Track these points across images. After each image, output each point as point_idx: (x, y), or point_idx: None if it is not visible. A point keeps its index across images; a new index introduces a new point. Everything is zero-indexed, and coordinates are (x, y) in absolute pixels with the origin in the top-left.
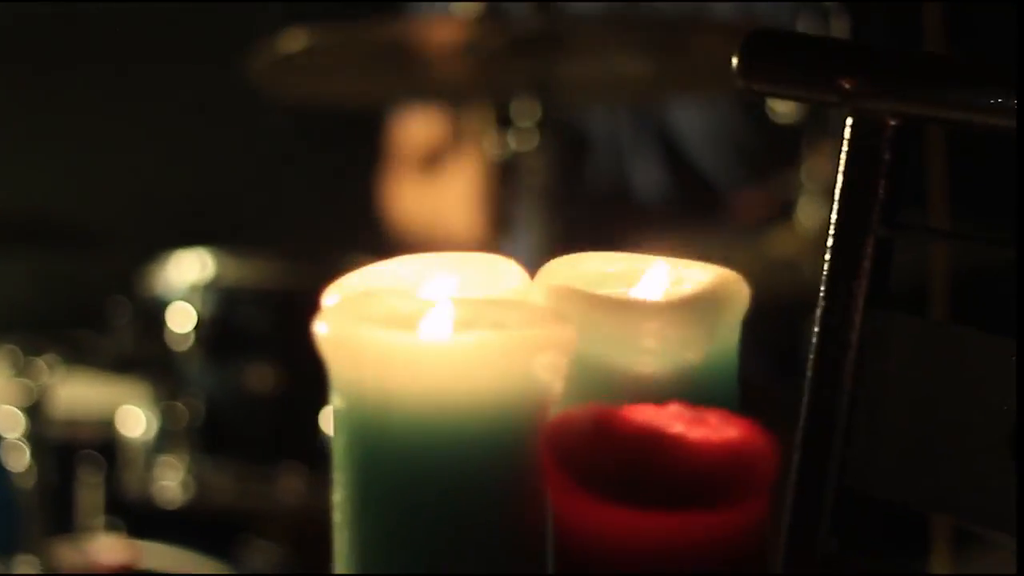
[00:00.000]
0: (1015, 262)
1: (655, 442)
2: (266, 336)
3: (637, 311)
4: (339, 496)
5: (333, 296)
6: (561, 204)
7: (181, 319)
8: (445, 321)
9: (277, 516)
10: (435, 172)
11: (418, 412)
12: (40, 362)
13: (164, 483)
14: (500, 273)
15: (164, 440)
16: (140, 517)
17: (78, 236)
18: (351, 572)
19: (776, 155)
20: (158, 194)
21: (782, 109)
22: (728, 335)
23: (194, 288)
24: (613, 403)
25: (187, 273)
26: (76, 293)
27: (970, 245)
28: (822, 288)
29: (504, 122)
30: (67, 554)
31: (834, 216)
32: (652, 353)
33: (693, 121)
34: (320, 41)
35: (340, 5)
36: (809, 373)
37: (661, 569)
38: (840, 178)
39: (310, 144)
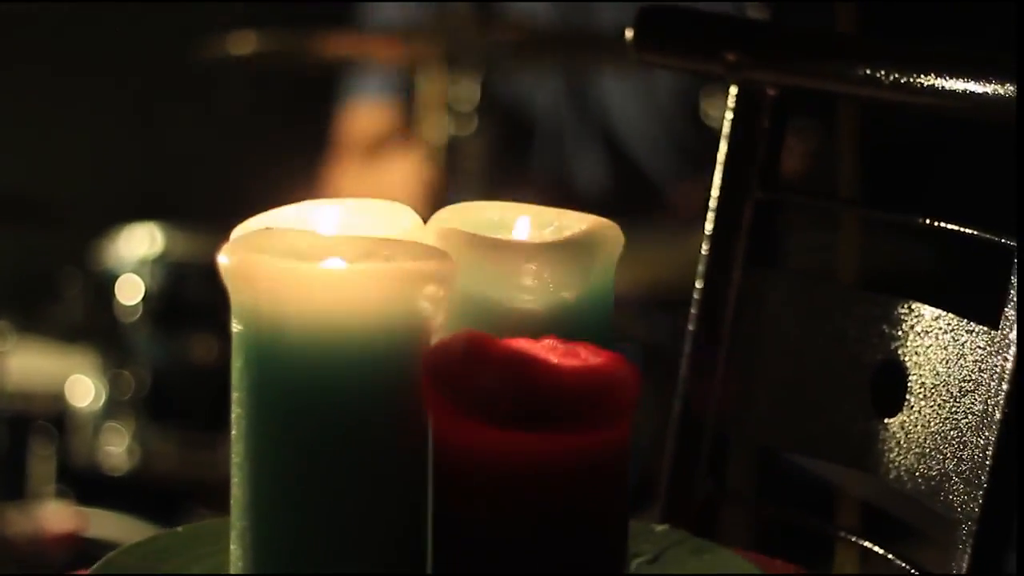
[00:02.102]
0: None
1: (526, 368)
2: (212, 308)
3: (515, 251)
4: (235, 413)
5: (239, 232)
6: (500, 190)
7: (130, 291)
8: (337, 254)
9: (220, 484)
10: (377, 161)
11: (309, 335)
12: None
13: (111, 450)
14: (395, 217)
15: (112, 409)
16: (88, 484)
17: (31, 209)
18: (244, 482)
19: (710, 151)
20: (111, 168)
21: (714, 113)
22: (602, 276)
23: (143, 261)
24: (493, 334)
25: (137, 247)
26: (29, 265)
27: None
28: (703, 246)
29: (444, 107)
30: (16, 520)
31: (716, 179)
32: (530, 291)
33: (631, 116)
34: (267, 47)
35: (293, 11)
36: (690, 326)
37: (530, 486)
38: (723, 144)
39: (261, 120)
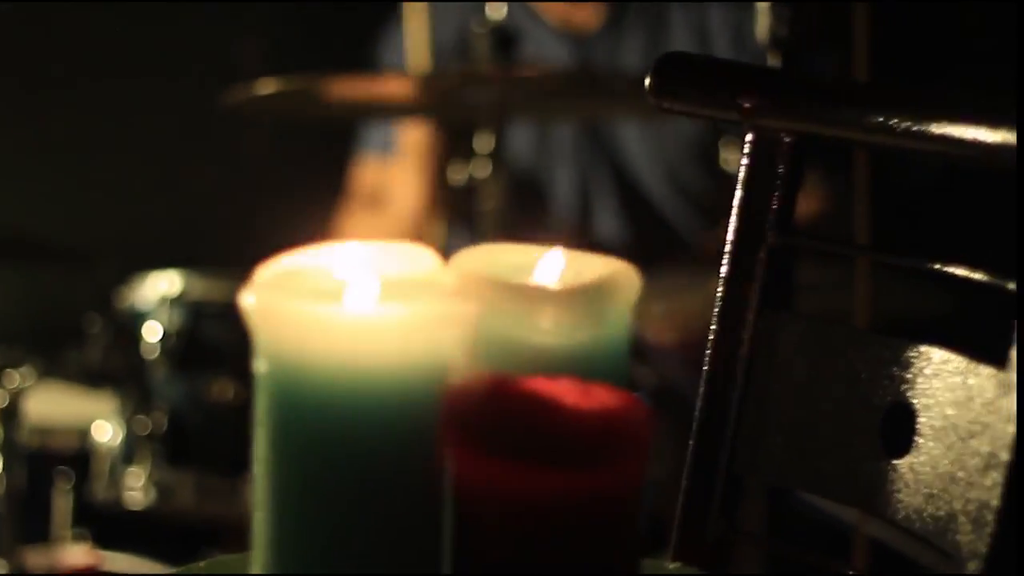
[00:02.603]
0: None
1: (543, 407)
2: (229, 349)
3: (534, 294)
4: (258, 451)
5: (263, 273)
6: (517, 233)
7: (150, 333)
8: (360, 295)
9: (239, 525)
10: (385, 214)
11: (332, 376)
12: (16, 374)
13: (131, 492)
14: (416, 260)
15: (131, 450)
16: (107, 525)
17: (57, 254)
18: (267, 519)
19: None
20: (134, 215)
21: (733, 158)
22: (618, 319)
23: (162, 303)
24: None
25: (157, 291)
26: (54, 309)
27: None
28: (719, 290)
29: (462, 151)
30: (35, 559)
31: (732, 224)
32: (548, 333)
33: (648, 161)
34: (288, 92)
35: (315, 57)
36: (705, 368)
37: (547, 522)
38: (739, 190)
39: (280, 165)
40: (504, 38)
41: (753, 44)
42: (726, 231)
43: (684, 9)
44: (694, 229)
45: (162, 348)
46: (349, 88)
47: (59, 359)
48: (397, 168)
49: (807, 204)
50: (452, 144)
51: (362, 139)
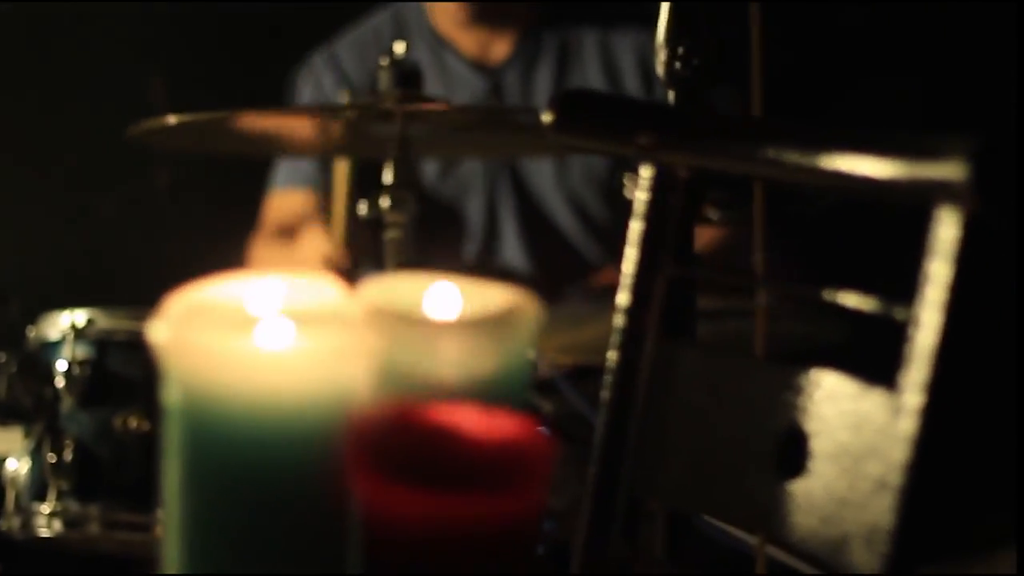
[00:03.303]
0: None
1: (446, 434)
2: (136, 381)
3: (436, 326)
4: (169, 482)
5: (171, 306)
6: (422, 265)
7: (55, 369)
8: (266, 329)
9: (149, 556)
10: (295, 245)
11: (239, 407)
12: None
13: (40, 525)
14: (322, 292)
15: (40, 483)
16: (17, 558)
17: None
18: (176, 549)
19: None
20: (43, 251)
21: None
22: (518, 349)
23: (68, 336)
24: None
25: (62, 326)
26: None
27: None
28: (617, 319)
29: (369, 183)
30: None
31: (630, 255)
32: (450, 364)
33: (551, 193)
34: (193, 129)
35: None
36: (604, 395)
37: (450, 546)
38: (637, 222)
39: (185, 201)
40: (407, 72)
41: (636, 82)
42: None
43: (594, 42)
44: (599, 259)
45: (67, 380)
46: (255, 123)
47: None
48: (309, 203)
49: (709, 234)
50: (361, 179)
51: (277, 172)
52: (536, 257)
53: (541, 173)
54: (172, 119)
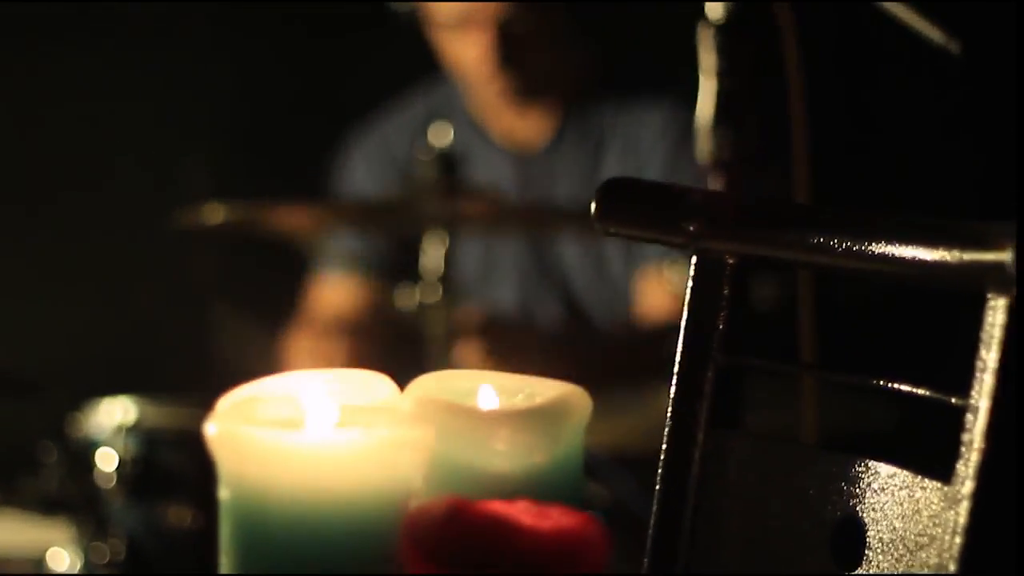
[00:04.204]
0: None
1: (501, 529)
2: (186, 476)
3: (488, 419)
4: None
5: (225, 402)
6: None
7: (105, 462)
8: (320, 423)
9: None
10: (339, 337)
11: (294, 501)
12: None
13: None
14: (373, 386)
15: None
16: None
17: (7, 383)
18: None
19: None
20: (84, 343)
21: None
22: (572, 440)
23: (117, 432)
24: (469, 498)
25: (111, 418)
26: (5, 437)
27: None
28: (668, 409)
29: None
30: None
31: (679, 345)
32: (503, 456)
33: (590, 280)
34: (235, 217)
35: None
36: (656, 487)
37: None
38: (685, 311)
39: (231, 290)
40: (449, 163)
41: (687, 164)
42: (673, 350)
43: (621, 127)
44: (635, 346)
45: (118, 476)
46: (296, 215)
47: (13, 488)
48: (357, 290)
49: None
50: (398, 267)
51: (320, 257)
52: (571, 344)
53: (576, 257)
54: (213, 213)
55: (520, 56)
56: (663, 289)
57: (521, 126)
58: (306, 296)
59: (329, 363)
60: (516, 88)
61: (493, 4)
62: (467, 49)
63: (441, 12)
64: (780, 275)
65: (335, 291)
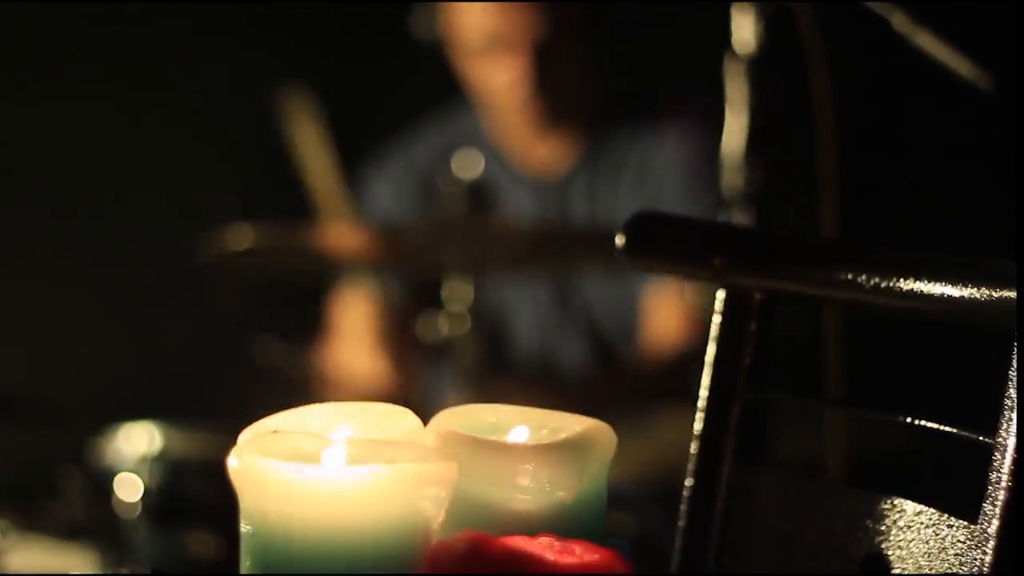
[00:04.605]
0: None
1: (524, 565)
2: (210, 505)
3: (512, 454)
4: None
5: (247, 435)
6: (488, 385)
7: (129, 489)
8: (342, 457)
9: None
10: (370, 343)
11: (315, 535)
12: None
13: None
14: (396, 420)
15: None
16: None
17: (30, 407)
18: None
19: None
20: (108, 366)
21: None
22: (596, 476)
23: (142, 460)
24: (491, 533)
25: (135, 445)
26: (27, 462)
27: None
28: (693, 445)
29: (436, 305)
30: None
31: (705, 379)
32: (526, 491)
33: (615, 311)
34: (263, 240)
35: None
36: (680, 522)
37: None
38: (711, 346)
39: (255, 319)
40: (479, 195)
41: (702, 193)
42: (696, 378)
43: (636, 153)
44: (656, 373)
45: (143, 505)
46: (323, 242)
47: (34, 514)
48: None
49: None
50: (420, 298)
51: (347, 274)
52: (595, 374)
53: (600, 288)
54: (243, 238)
55: (553, 80)
56: (675, 308)
57: (542, 153)
58: (334, 311)
59: (363, 374)
60: (546, 113)
61: (527, 27)
62: (498, 74)
63: (471, 37)
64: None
65: (363, 305)
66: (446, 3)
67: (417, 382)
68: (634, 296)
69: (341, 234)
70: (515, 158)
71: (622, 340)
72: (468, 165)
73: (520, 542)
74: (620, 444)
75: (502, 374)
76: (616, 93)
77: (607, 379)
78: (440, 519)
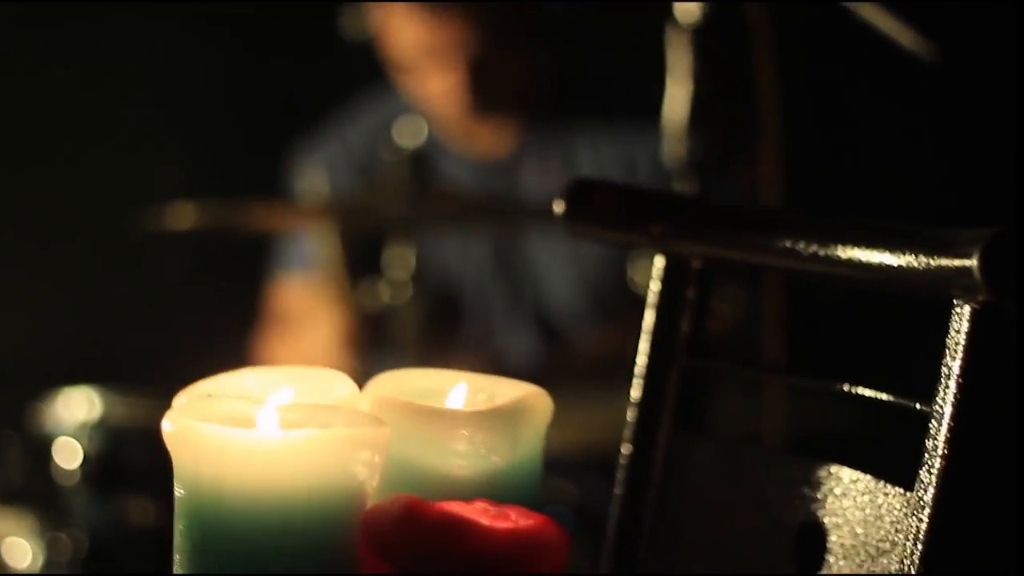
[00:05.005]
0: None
1: (459, 530)
2: (149, 471)
3: (448, 419)
4: (178, 572)
5: (181, 398)
6: (432, 358)
7: (68, 455)
8: (276, 421)
9: None
10: (304, 331)
11: (249, 500)
12: None
13: None
14: (332, 384)
15: (49, 572)
16: None
17: None
18: None
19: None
20: (47, 332)
21: (640, 280)
22: (532, 442)
23: (82, 426)
24: (427, 498)
25: (74, 410)
26: None
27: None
28: (630, 412)
29: (375, 273)
30: None
31: (643, 347)
32: (462, 456)
33: (558, 281)
34: (204, 220)
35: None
36: (616, 490)
37: None
38: (649, 313)
39: (196, 287)
40: (419, 162)
41: (647, 173)
42: (627, 336)
43: (585, 139)
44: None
45: (83, 471)
46: (263, 216)
47: None
48: (313, 286)
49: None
50: (361, 265)
51: (280, 256)
52: (541, 343)
53: (549, 258)
54: (178, 217)
55: (489, 86)
56: None
57: (481, 137)
58: (267, 297)
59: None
60: (484, 111)
61: (459, 39)
62: (433, 84)
63: (404, 51)
64: (748, 284)
65: (296, 290)
66: (378, 15)
67: (358, 351)
68: (579, 266)
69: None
70: (452, 141)
71: (568, 312)
72: (410, 133)
73: (455, 507)
74: (565, 413)
75: (445, 343)
76: (557, 78)
77: (553, 354)
78: (374, 483)
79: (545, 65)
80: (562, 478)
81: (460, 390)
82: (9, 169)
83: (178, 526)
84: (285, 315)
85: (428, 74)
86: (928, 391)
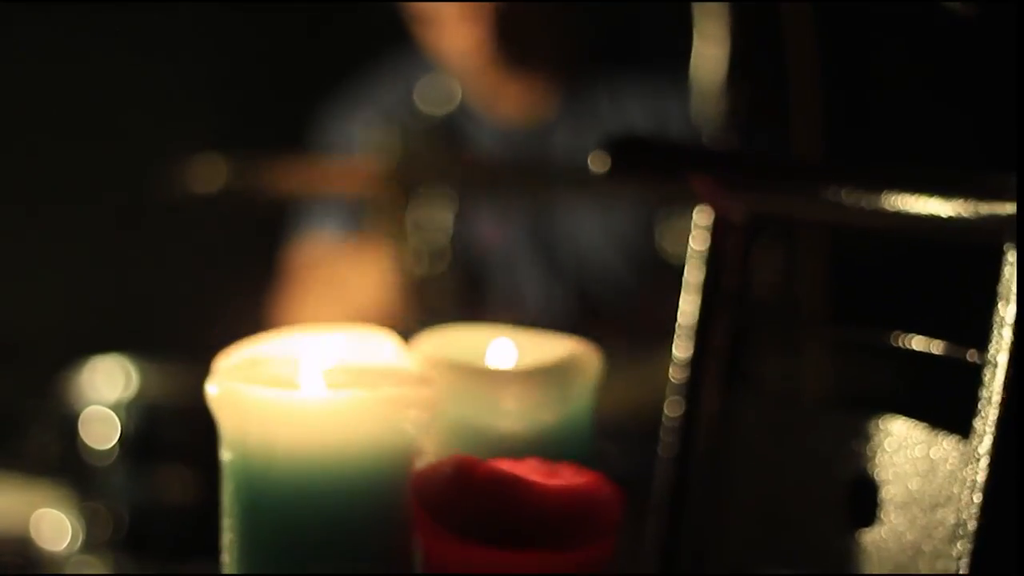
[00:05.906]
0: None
1: (511, 489)
2: (187, 445)
3: (496, 378)
4: (227, 539)
5: (225, 361)
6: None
7: (103, 427)
8: (322, 381)
9: None
10: (341, 290)
11: (297, 462)
12: None
13: None
14: (378, 344)
15: (83, 546)
16: None
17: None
18: None
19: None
20: (77, 302)
21: (671, 249)
22: (581, 399)
23: (114, 395)
24: (477, 457)
25: (108, 380)
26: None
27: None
28: (675, 370)
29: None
30: None
31: (685, 304)
32: (511, 415)
33: (593, 245)
34: (234, 180)
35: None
36: (662, 452)
37: None
38: (694, 269)
39: (233, 255)
40: (451, 129)
41: (679, 130)
42: (675, 311)
43: (613, 99)
44: (633, 303)
45: (120, 445)
46: (300, 173)
47: (3, 451)
48: (346, 247)
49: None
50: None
51: (312, 215)
52: (580, 303)
53: (582, 222)
54: (213, 174)
55: (514, 43)
56: None
57: (512, 100)
58: (292, 253)
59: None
60: (510, 72)
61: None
62: (455, 42)
63: (424, 7)
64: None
65: (329, 244)
66: None
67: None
68: (613, 232)
69: (314, 167)
70: (485, 110)
71: (604, 278)
72: (440, 99)
73: (506, 465)
74: (615, 378)
75: (480, 310)
76: (589, 41)
77: (590, 320)
78: (424, 444)
79: (582, 24)
80: (613, 443)
81: (508, 346)
82: (34, 132)
83: (226, 489)
84: (314, 272)
85: (449, 30)
86: (977, 341)
